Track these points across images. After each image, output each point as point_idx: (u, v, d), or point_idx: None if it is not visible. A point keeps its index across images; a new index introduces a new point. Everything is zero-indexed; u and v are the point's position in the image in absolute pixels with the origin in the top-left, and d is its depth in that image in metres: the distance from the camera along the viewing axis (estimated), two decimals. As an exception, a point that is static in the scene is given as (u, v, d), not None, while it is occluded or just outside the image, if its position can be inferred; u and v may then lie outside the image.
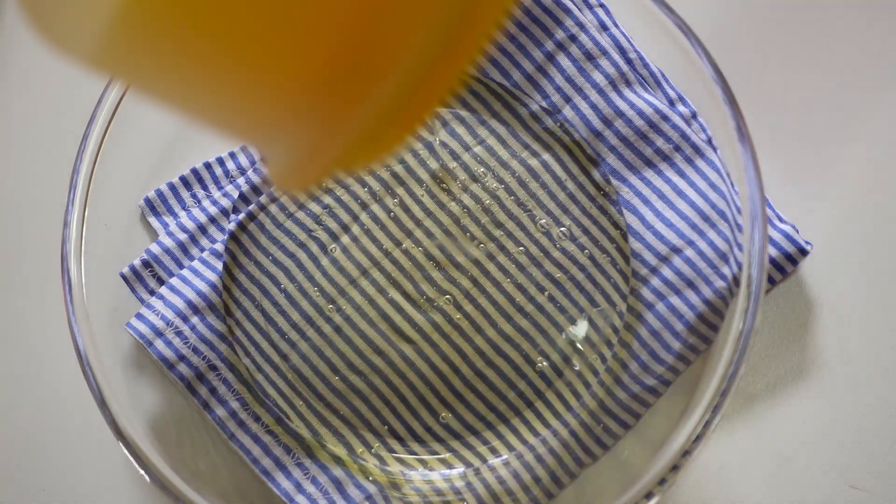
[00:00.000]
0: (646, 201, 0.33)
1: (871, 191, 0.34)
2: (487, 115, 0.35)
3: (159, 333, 0.34)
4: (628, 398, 0.33)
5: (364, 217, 0.35)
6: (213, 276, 0.34)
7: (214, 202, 0.35)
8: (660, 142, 0.33)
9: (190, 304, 0.34)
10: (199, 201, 0.36)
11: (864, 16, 0.35)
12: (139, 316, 0.34)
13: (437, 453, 0.34)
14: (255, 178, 0.35)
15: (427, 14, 0.17)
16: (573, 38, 0.33)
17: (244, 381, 0.34)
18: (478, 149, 0.35)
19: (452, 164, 0.35)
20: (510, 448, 0.34)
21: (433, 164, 0.35)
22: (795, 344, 0.34)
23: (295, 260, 0.35)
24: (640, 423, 0.33)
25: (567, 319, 0.34)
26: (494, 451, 0.34)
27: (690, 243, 0.32)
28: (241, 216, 0.35)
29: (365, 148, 0.19)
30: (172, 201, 0.36)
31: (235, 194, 0.35)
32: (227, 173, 0.36)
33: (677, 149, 0.33)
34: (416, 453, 0.34)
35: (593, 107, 0.34)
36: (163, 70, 0.18)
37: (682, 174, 0.33)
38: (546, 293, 0.34)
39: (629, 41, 0.34)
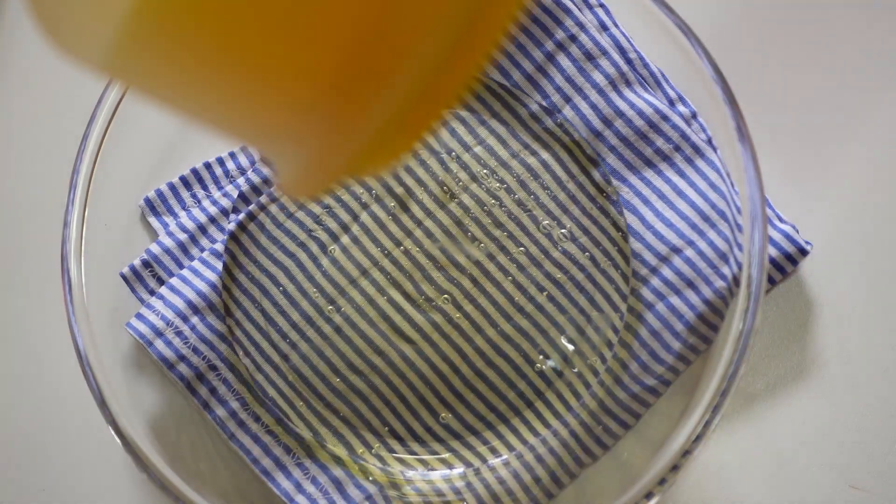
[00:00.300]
0: (646, 201, 0.33)
1: (871, 191, 0.34)
2: (487, 115, 0.35)
3: (159, 333, 0.34)
4: (628, 398, 0.33)
5: (364, 217, 0.35)
6: (213, 276, 0.34)
7: (214, 202, 0.35)
8: (660, 142, 0.33)
9: (190, 304, 0.34)
10: (199, 201, 0.36)
11: (864, 16, 0.35)
12: (139, 316, 0.34)
13: (437, 453, 0.34)
14: (255, 178, 0.35)
15: (436, 19, 0.17)
16: (573, 38, 0.33)
17: (244, 381, 0.34)
18: (478, 149, 0.35)
19: (452, 165, 0.35)
20: (510, 448, 0.34)
21: (433, 165, 0.35)
22: (795, 344, 0.34)
23: (295, 260, 0.35)
24: (640, 423, 0.33)
25: (567, 320, 0.34)
26: (494, 451, 0.34)
27: (690, 243, 0.32)
28: (241, 216, 0.35)
29: (374, 154, 0.19)
30: (172, 201, 0.36)
31: (235, 194, 0.35)
32: (227, 173, 0.36)
33: (677, 149, 0.33)
34: (416, 453, 0.34)
35: (593, 107, 0.34)
36: (174, 75, 0.18)
37: (682, 174, 0.33)
38: (546, 293, 0.34)
39: (629, 41, 0.34)
